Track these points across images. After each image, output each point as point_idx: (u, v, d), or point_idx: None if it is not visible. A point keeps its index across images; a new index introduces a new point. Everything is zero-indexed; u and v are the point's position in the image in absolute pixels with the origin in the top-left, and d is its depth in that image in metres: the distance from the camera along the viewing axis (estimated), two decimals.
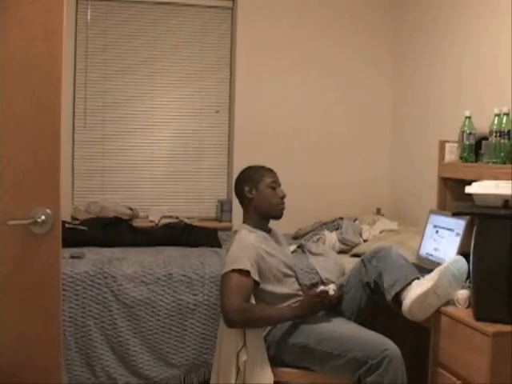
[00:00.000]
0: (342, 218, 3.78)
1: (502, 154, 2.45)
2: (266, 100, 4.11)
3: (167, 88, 4.12)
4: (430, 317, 2.15)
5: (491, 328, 1.85)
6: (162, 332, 2.77)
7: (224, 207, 4.08)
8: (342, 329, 2.32)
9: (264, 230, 2.54)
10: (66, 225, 3.24)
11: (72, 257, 2.87)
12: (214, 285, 2.82)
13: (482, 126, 2.62)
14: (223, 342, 2.35)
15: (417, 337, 2.63)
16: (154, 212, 3.94)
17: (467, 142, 2.70)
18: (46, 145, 1.87)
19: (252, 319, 2.28)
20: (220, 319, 2.55)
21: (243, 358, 2.26)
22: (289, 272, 2.52)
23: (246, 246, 2.36)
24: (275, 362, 2.33)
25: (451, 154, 2.84)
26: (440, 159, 2.92)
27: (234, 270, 2.27)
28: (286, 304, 2.41)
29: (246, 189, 2.53)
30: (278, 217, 2.59)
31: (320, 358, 2.26)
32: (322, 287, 2.50)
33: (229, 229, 4.00)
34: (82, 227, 3.33)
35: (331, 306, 2.42)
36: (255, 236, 2.45)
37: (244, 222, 2.55)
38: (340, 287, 2.51)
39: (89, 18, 3.99)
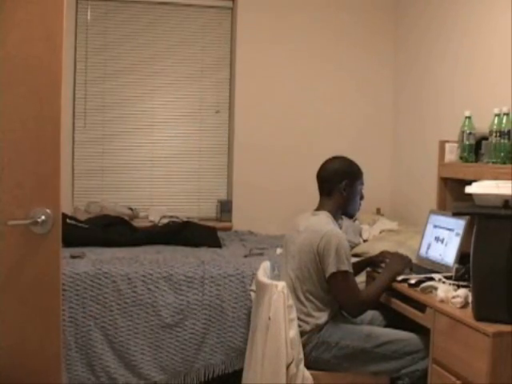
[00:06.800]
0: (341, 218, 3.77)
1: (502, 154, 2.44)
2: (266, 100, 4.11)
3: (167, 88, 4.12)
4: (430, 317, 2.16)
5: (491, 328, 1.85)
6: (162, 332, 2.77)
7: (224, 207, 4.08)
8: (390, 333, 2.42)
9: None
10: (68, 220, 3.24)
11: (72, 256, 2.87)
12: (213, 284, 2.82)
13: (482, 126, 2.62)
14: (267, 352, 2.25)
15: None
16: (154, 212, 3.94)
17: (467, 142, 2.70)
18: (46, 145, 1.87)
19: (373, 301, 2.43)
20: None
21: (293, 370, 2.21)
22: None
23: (347, 245, 2.41)
24: (314, 361, 2.35)
25: (451, 153, 2.83)
26: (440, 159, 2.92)
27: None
28: None
29: (344, 182, 2.47)
30: (353, 216, 2.71)
31: (373, 360, 2.34)
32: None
33: (229, 229, 4.01)
34: (83, 225, 3.34)
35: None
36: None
37: (325, 209, 2.48)
38: None
39: (89, 18, 3.99)
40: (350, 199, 2.52)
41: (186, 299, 2.80)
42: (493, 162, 2.48)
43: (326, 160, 2.58)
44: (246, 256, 3.12)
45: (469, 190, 2.07)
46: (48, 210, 1.86)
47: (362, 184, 2.56)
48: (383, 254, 2.69)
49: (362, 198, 2.58)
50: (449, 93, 3.44)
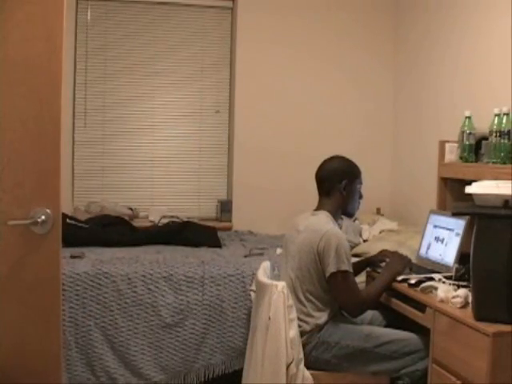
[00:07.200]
0: (341, 218, 3.77)
1: (502, 154, 2.44)
2: (266, 100, 4.11)
3: (167, 88, 4.12)
4: (430, 317, 2.16)
5: (491, 328, 1.85)
6: (162, 332, 2.77)
7: (224, 207, 4.08)
8: (390, 333, 2.41)
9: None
10: (68, 220, 3.25)
11: (72, 256, 2.87)
12: (214, 284, 2.82)
13: (482, 125, 2.62)
14: (267, 352, 2.25)
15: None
16: (154, 212, 3.94)
17: (467, 142, 2.70)
18: (46, 145, 1.87)
19: (373, 301, 2.43)
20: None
21: (293, 370, 2.21)
22: None
23: (347, 245, 2.40)
24: (314, 361, 2.35)
25: (451, 153, 2.83)
26: (440, 159, 2.92)
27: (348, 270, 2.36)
28: None
29: (344, 182, 2.48)
30: (352, 215, 2.68)
31: (373, 360, 2.34)
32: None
33: (229, 229, 4.01)
34: (84, 225, 3.34)
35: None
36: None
37: (324, 209, 2.48)
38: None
39: (89, 18, 3.99)
40: (350, 199, 2.52)
41: (186, 299, 2.80)
42: (493, 162, 2.48)
43: (324, 160, 2.58)
44: (246, 256, 3.12)
45: (469, 190, 2.07)
46: (48, 210, 1.86)
47: (361, 183, 2.57)
48: (383, 253, 2.69)
49: (360, 197, 2.59)
50: (449, 93, 3.44)
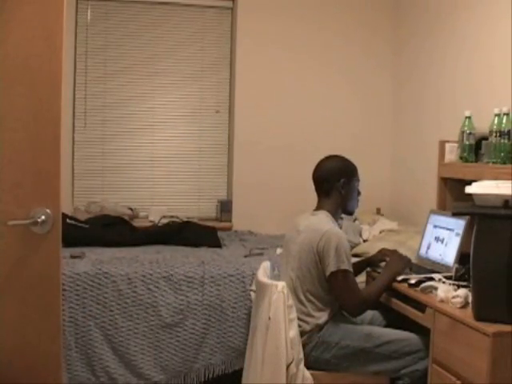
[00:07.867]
0: (341, 218, 3.77)
1: (502, 154, 2.44)
2: (266, 100, 4.11)
3: (167, 88, 4.12)
4: (430, 317, 2.16)
5: (491, 328, 1.85)
6: (162, 332, 2.77)
7: (224, 207, 4.08)
8: (390, 333, 2.41)
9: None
10: (68, 220, 3.25)
11: (72, 256, 2.87)
12: (214, 284, 2.83)
13: (482, 125, 2.62)
14: (267, 352, 2.24)
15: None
16: (154, 212, 3.95)
17: (467, 142, 2.70)
18: (46, 145, 1.87)
19: (373, 301, 2.42)
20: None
21: (293, 370, 2.21)
22: None
23: (347, 244, 2.40)
24: (314, 361, 2.35)
25: (451, 153, 2.83)
26: (440, 159, 2.92)
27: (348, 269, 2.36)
28: None
29: (342, 181, 2.48)
30: (352, 213, 2.68)
31: (373, 360, 2.34)
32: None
33: (229, 229, 4.01)
34: (84, 225, 3.34)
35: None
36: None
37: (324, 209, 2.48)
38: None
39: (89, 18, 3.99)
40: (349, 197, 2.52)
41: (186, 299, 2.80)
42: (493, 162, 2.48)
43: (320, 160, 2.58)
44: (246, 256, 3.12)
45: (469, 190, 2.07)
46: (48, 210, 1.86)
47: (358, 180, 2.57)
48: (382, 252, 2.69)
49: (359, 194, 2.59)
50: (449, 93, 3.44)
